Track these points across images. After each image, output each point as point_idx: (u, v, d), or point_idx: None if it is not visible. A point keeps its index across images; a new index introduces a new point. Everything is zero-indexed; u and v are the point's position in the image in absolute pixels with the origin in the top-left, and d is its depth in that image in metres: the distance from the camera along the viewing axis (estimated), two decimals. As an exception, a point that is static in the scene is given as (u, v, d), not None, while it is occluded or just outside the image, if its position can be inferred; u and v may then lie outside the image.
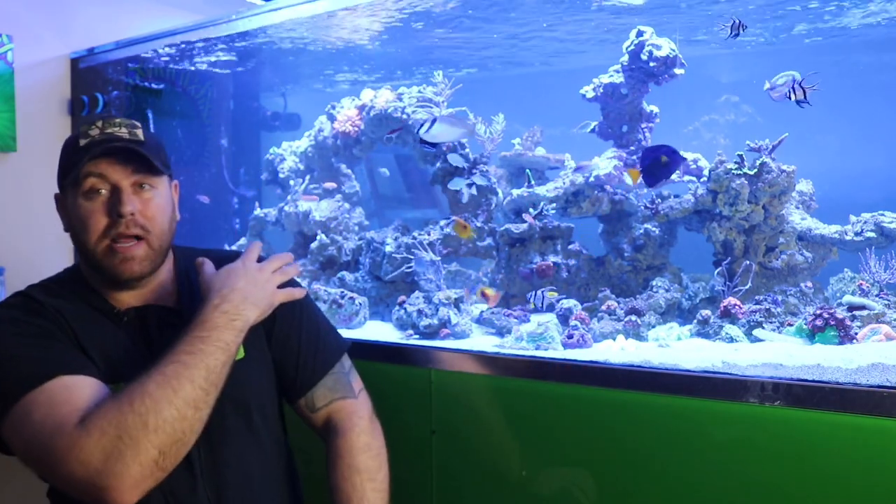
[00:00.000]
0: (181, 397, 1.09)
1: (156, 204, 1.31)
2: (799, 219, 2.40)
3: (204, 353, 1.14)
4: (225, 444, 1.32)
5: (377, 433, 1.48)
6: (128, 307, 1.33)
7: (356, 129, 3.03)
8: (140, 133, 1.31)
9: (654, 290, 2.28)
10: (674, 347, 1.93)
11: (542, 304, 2.20)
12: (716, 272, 2.24)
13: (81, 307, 1.30)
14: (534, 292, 2.23)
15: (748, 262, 2.22)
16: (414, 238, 2.55)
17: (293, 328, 1.46)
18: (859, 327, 1.88)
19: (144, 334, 1.33)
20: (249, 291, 1.26)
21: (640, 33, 2.41)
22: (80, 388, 1.13)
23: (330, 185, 3.14)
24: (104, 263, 1.28)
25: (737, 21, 2.01)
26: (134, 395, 1.08)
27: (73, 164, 1.26)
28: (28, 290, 1.32)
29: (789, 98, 1.93)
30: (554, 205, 2.52)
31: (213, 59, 3.23)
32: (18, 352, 1.18)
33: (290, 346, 1.46)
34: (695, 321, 2.08)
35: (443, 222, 2.63)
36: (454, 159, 2.60)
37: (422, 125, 2.31)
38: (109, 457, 1.04)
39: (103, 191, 1.27)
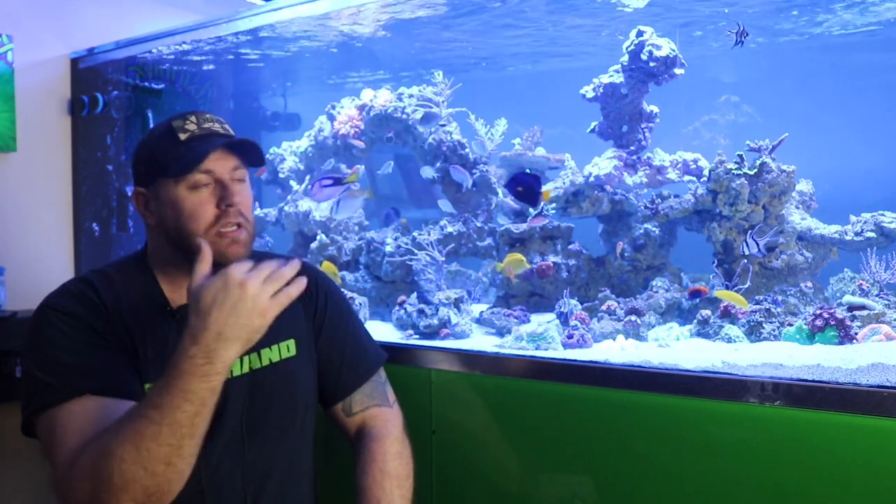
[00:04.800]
0: (144, 457, 1.04)
1: (247, 194, 1.35)
2: (799, 219, 2.40)
3: (170, 406, 1.05)
4: (275, 441, 1.36)
5: (407, 444, 1.52)
6: (180, 304, 1.35)
7: (357, 129, 3.03)
8: (229, 127, 1.36)
9: (654, 290, 2.28)
10: (674, 347, 1.93)
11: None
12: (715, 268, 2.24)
13: (139, 299, 1.32)
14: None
15: (745, 262, 2.22)
16: (414, 238, 2.55)
17: (339, 332, 1.51)
18: (859, 327, 1.88)
19: None
20: (225, 323, 1.07)
21: (640, 33, 2.41)
22: (95, 416, 1.15)
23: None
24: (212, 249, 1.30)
25: (741, 27, 2.00)
26: (101, 450, 1.07)
27: (178, 157, 1.28)
28: (90, 277, 1.32)
29: None
30: (554, 205, 2.52)
31: (212, 58, 3.23)
32: (57, 354, 1.20)
33: (336, 349, 1.50)
34: (695, 321, 2.08)
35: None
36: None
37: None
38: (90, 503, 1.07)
39: (209, 182, 1.30)
